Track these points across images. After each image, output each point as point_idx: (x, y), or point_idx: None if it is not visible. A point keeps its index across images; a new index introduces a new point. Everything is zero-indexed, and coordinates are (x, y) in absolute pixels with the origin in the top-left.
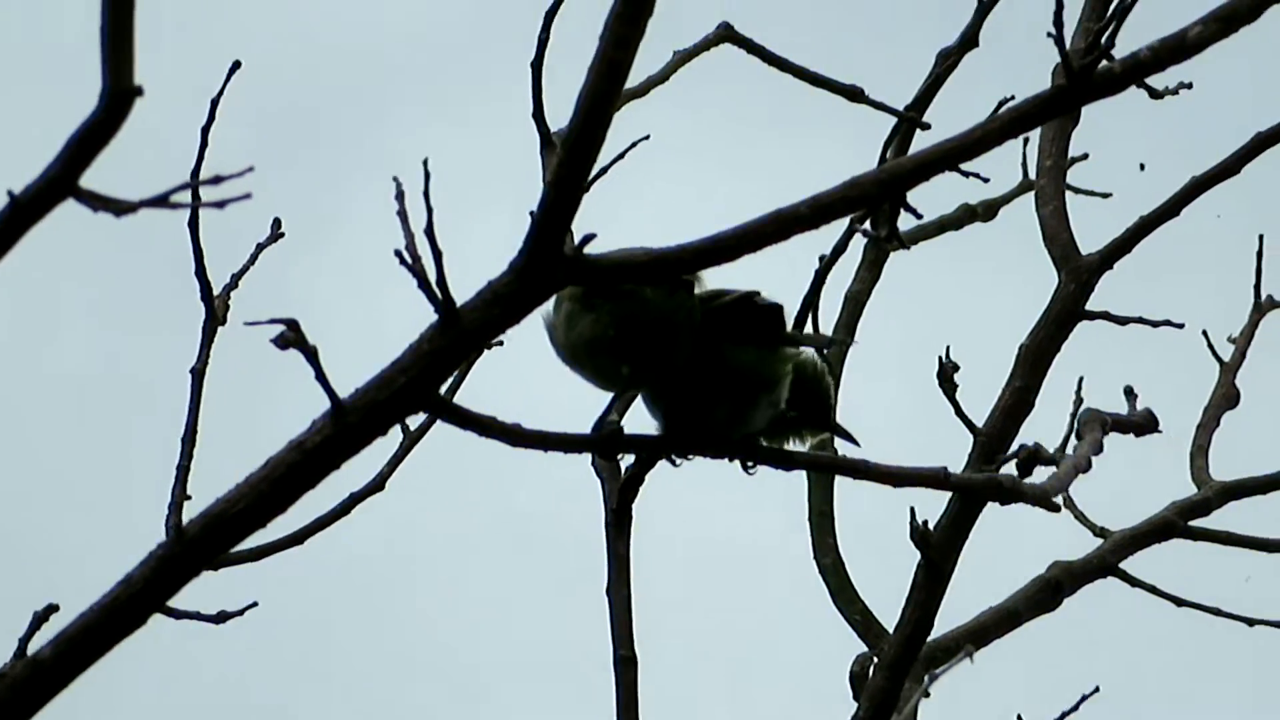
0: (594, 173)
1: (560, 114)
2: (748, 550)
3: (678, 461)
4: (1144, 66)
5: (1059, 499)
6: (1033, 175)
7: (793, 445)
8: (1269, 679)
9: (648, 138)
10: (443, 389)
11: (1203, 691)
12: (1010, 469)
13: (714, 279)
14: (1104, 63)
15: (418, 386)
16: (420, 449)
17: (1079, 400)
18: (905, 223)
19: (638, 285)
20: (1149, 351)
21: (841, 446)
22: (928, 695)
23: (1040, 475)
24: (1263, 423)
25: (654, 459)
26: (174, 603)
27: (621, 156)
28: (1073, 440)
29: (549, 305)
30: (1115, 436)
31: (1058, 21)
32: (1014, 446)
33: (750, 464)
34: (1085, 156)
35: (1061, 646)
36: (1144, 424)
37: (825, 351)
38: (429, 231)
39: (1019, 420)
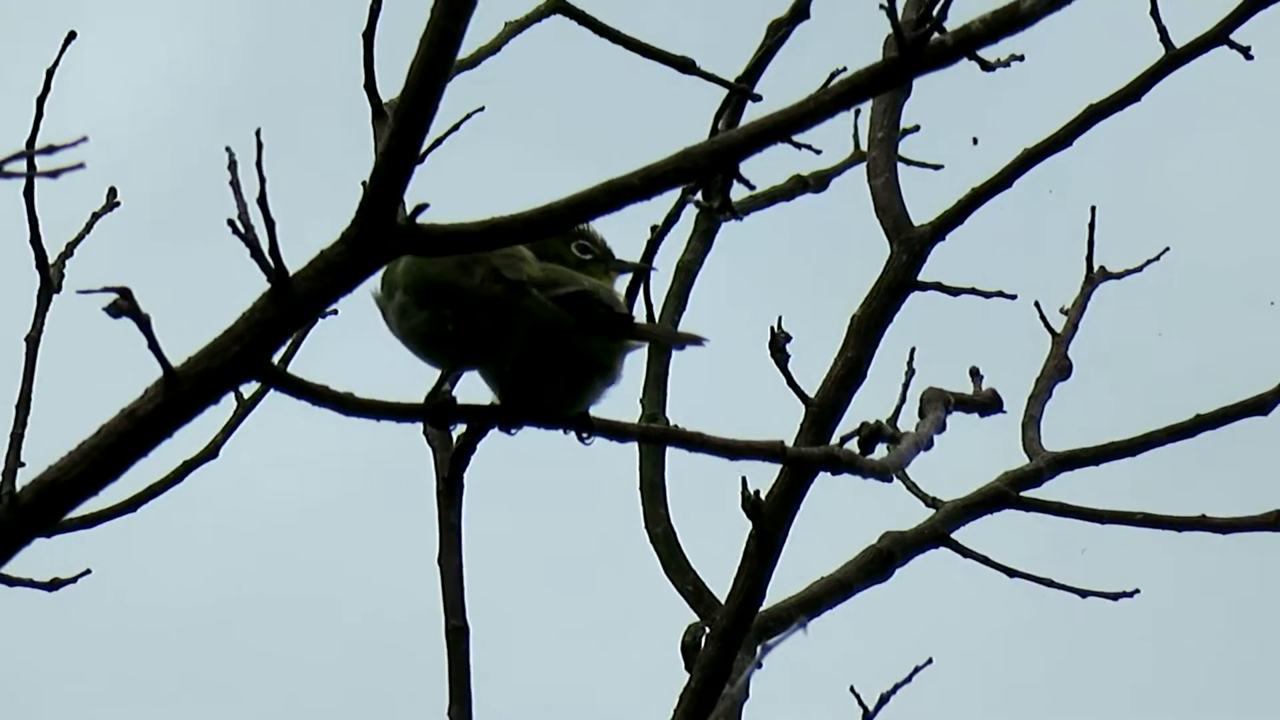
0: (427, 144)
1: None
2: (579, 520)
3: (512, 432)
4: (976, 38)
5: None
6: (864, 147)
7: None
8: (1100, 651)
9: (482, 109)
10: (276, 358)
11: (1035, 663)
12: (852, 445)
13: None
14: (936, 35)
15: (250, 354)
16: (254, 417)
17: (911, 371)
18: (737, 193)
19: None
20: (981, 322)
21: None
22: (760, 666)
23: (880, 451)
24: (1094, 394)
25: (486, 428)
26: (7, 570)
27: (455, 128)
28: (914, 417)
29: (378, 287)
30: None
31: None
32: (845, 417)
33: (585, 435)
34: (917, 128)
35: (894, 617)
36: (988, 403)
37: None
38: (261, 201)
39: (851, 390)
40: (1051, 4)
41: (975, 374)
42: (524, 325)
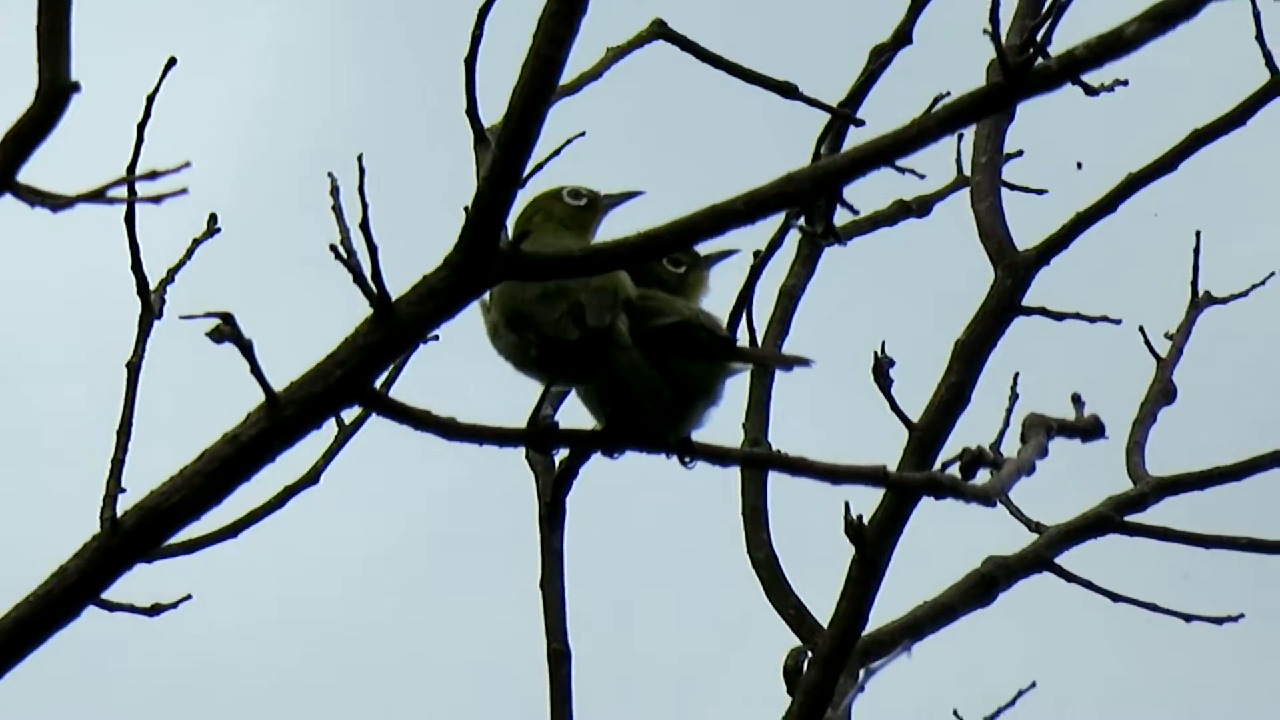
0: (528, 168)
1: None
2: (681, 545)
3: (614, 456)
4: (1080, 63)
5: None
6: (968, 171)
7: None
8: (1204, 675)
9: (583, 134)
10: (378, 382)
11: (1139, 687)
12: (955, 470)
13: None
14: (1040, 59)
15: (352, 379)
16: (355, 441)
17: (1014, 395)
18: (840, 217)
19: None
20: (1086, 347)
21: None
22: (863, 690)
23: (983, 476)
24: (1198, 418)
25: (588, 453)
26: (108, 595)
27: (556, 153)
28: (1017, 442)
29: (486, 296)
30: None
31: (994, 18)
32: (948, 441)
33: (688, 459)
34: (1020, 153)
35: (997, 641)
36: (1089, 429)
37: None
38: (364, 226)
39: (954, 415)
40: (1155, 29)
41: (1077, 400)
42: (608, 369)
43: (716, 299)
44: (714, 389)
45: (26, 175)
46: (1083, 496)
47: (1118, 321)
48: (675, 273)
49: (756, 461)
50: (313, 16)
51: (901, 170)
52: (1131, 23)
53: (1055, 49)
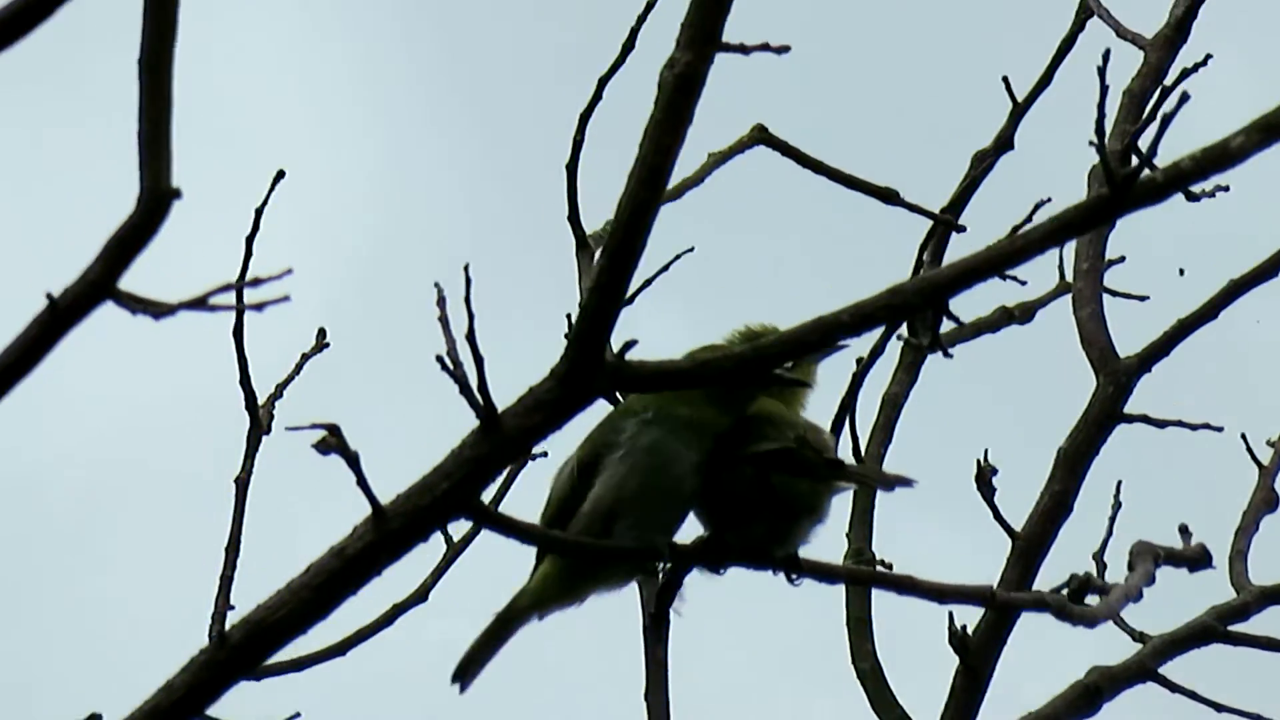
0: (636, 285)
1: (595, 215)
2: (786, 655)
3: (720, 572)
4: (1186, 176)
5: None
6: (1069, 277)
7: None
8: None
9: (691, 250)
10: (488, 496)
11: None
12: (1061, 594)
13: None
14: (1145, 171)
15: (459, 492)
16: (465, 556)
17: (1117, 504)
18: (943, 326)
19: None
20: (1188, 454)
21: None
22: None
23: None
24: None
25: (693, 566)
26: (215, 711)
27: (665, 269)
28: (1121, 554)
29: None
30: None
31: (1099, 130)
32: (1052, 549)
33: (794, 576)
34: (1122, 259)
35: None
36: (1197, 559)
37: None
38: (470, 336)
39: (1057, 523)
40: (1262, 141)
41: (1184, 531)
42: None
43: (820, 405)
44: (820, 508)
45: (128, 283)
46: (1186, 606)
47: (1220, 429)
48: (783, 366)
49: (862, 579)
50: (417, 127)
51: (1004, 278)
52: (1238, 135)
53: (1159, 157)
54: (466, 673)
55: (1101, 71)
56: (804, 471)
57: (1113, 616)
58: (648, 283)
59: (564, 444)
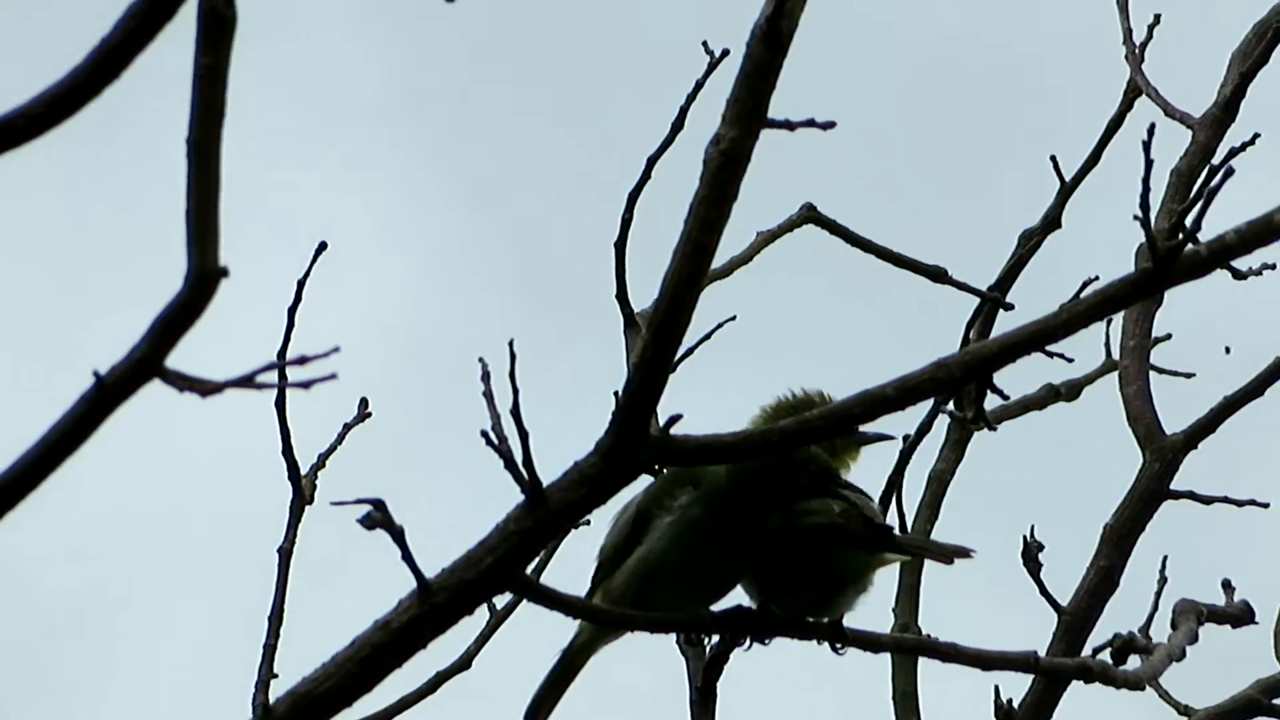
0: (680, 353)
1: (643, 292)
2: None
3: (766, 642)
4: (1230, 250)
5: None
6: (1116, 354)
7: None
8: None
9: (734, 318)
10: (530, 567)
11: None
12: (1105, 656)
13: None
14: (1190, 245)
15: (504, 566)
16: (508, 626)
17: (1163, 579)
18: (990, 402)
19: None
20: (1234, 530)
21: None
22: None
23: (1133, 662)
24: None
25: (740, 638)
26: None
27: (708, 338)
28: (1167, 627)
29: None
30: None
31: (1144, 204)
32: (1098, 625)
33: (839, 646)
34: (1169, 336)
35: None
36: (1240, 616)
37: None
38: (515, 412)
39: (1103, 599)
40: None
41: (1227, 586)
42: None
43: (868, 483)
44: (867, 579)
45: (174, 360)
46: (1232, 679)
47: (1265, 505)
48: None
49: (907, 648)
50: (466, 201)
51: (1051, 355)
52: None
53: (1204, 234)
54: (537, 715)
55: (1146, 146)
56: (857, 544)
57: (1156, 677)
58: (690, 350)
59: (607, 515)
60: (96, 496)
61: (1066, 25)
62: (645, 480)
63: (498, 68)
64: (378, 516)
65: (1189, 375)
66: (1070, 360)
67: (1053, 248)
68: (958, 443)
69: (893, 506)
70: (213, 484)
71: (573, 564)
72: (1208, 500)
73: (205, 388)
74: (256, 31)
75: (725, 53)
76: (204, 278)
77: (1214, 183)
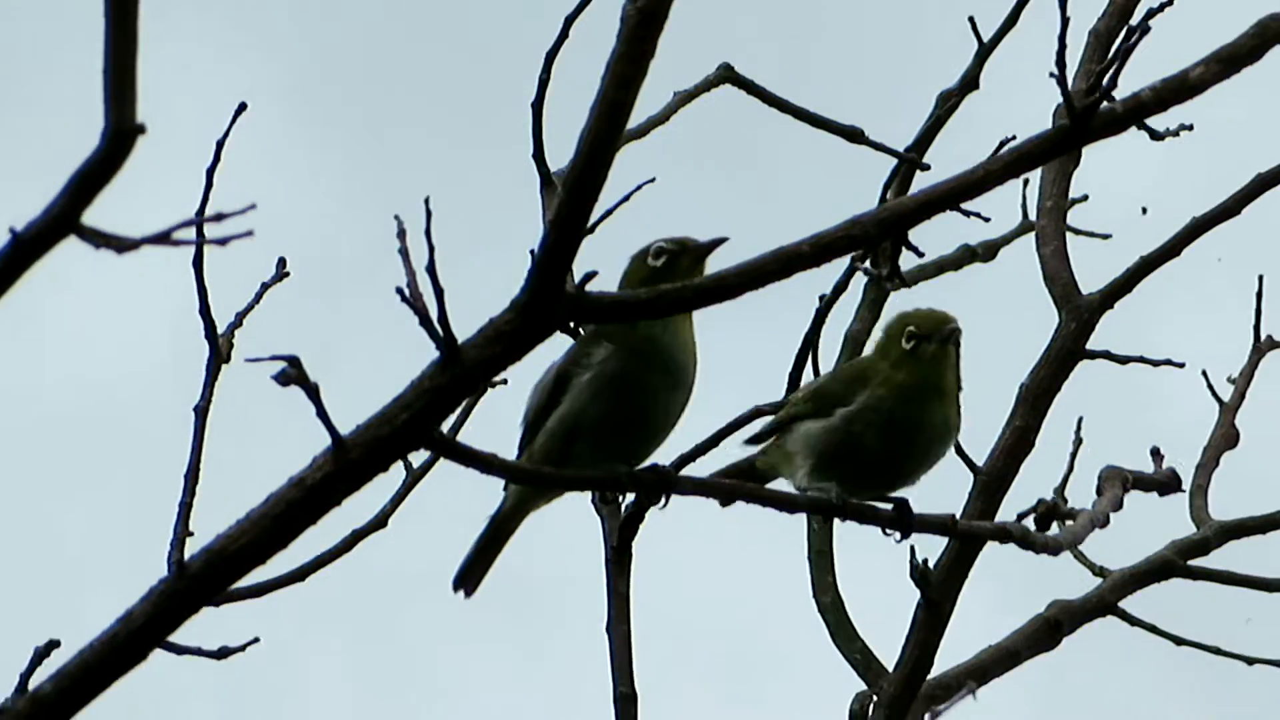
0: (597, 215)
1: (560, 154)
2: (747, 588)
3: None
4: (1145, 107)
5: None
6: (1033, 216)
7: None
8: (1268, 718)
9: (653, 180)
10: (446, 426)
11: None
12: (1028, 522)
13: None
14: (1106, 103)
15: (419, 423)
16: (423, 485)
17: (1079, 440)
18: (906, 262)
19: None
20: (1149, 391)
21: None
22: None
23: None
24: (1262, 463)
25: (654, 497)
26: (175, 638)
27: (626, 200)
28: (1085, 487)
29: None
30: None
31: (1060, 62)
32: (1014, 485)
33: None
34: (1085, 198)
35: (1062, 686)
36: (1167, 483)
37: None
38: (430, 269)
39: (1019, 459)
40: (1221, 72)
41: (1156, 453)
42: None
43: (783, 342)
44: None
45: (92, 218)
46: (1146, 541)
47: (1181, 365)
48: (655, 267)
49: (822, 509)
50: (381, 61)
51: (968, 214)
52: (1197, 66)
53: (1121, 93)
54: (468, 579)
55: (1062, 4)
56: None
57: (1077, 544)
58: (608, 213)
59: (523, 373)
60: (10, 353)
61: None
62: (566, 344)
63: None
64: (292, 373)
65: (1105, 236)
66: (987, 220)
67: (970, 109)
68: (874, 302)
69: (809, 365)
70: (129, 343)
71: (490, 425)
72: (1123, 360)
73: (122, 244)
74: None
75: None
76: (121, 134)
77: (1130, 41)
